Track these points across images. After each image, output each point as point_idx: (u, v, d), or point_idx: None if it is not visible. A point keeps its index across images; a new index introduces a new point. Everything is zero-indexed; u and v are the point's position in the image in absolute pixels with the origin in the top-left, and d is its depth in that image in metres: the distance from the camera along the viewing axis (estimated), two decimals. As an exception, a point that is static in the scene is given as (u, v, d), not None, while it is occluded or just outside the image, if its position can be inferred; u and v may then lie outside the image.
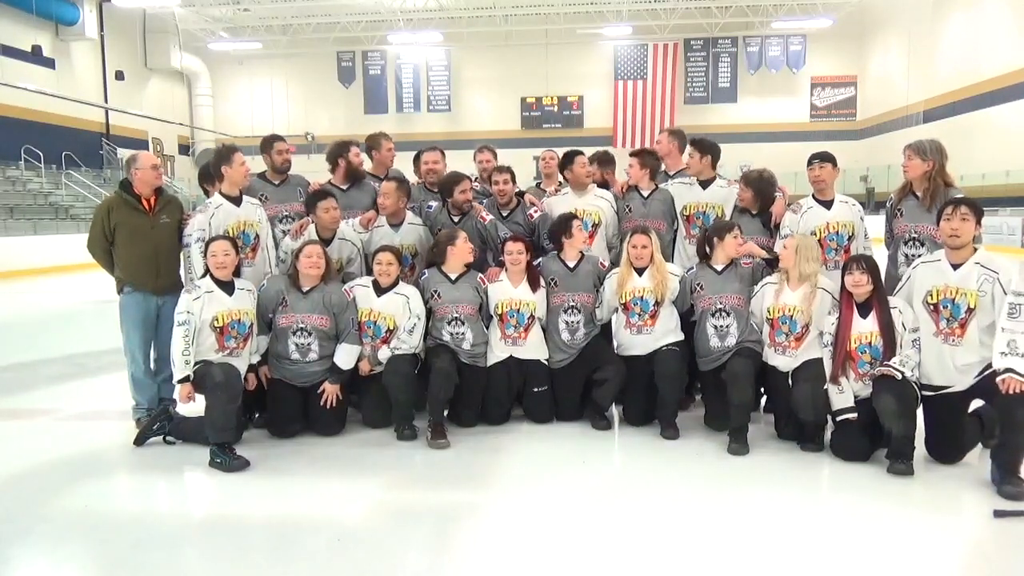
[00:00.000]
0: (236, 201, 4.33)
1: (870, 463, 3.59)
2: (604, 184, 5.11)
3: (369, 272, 4.46)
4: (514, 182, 4.85)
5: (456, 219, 4.67)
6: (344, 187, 4.78)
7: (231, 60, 27.91)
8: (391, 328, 4.21)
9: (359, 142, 5.00)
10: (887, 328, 3.59)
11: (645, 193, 4.71)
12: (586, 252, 4.49)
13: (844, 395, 3.67)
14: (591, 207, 4.67)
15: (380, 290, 4.23)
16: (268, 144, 4.80)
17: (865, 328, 3.65)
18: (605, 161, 5.22)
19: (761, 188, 4.41)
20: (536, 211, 4.69)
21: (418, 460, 3.88)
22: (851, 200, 4.34)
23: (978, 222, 3.53)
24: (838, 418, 3.69)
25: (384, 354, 4.17)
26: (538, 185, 5.28)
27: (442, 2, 24.59)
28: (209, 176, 4.66)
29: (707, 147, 4.66)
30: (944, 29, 21.56)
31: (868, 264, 3.66)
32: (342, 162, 4.82)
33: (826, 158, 4.27)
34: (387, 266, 4.17)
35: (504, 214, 4.76)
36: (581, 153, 4.80)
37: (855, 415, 3.64)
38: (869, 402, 3.61)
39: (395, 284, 4.23)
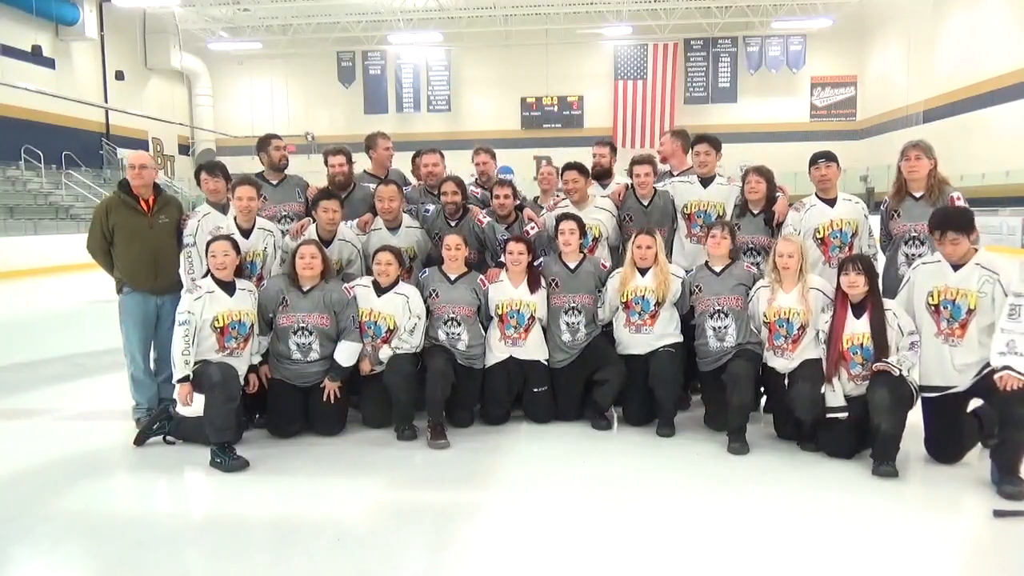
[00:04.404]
0: (246, 233, 4.30)
1: (864, 463, 3.59)
2: (607, 172, 5.09)
3: (369, 273, 4.47)
4: (515, 196, 4.83)
5: (453, 223, 4.67)
6: (343, 194, 4.77)
7: (231, 60, 27.89)
8: (391, 328, 4.21)
9: (344, 149, 4.90)
10: (878, 331, 3.59)
11: (645, 201, 4.71)
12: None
13: (836, 394, 3.68)
14: (591, 220, 4.63)
15: (380, 290, 4.23)
16: (264, 143, 4.81)
17: (858, 329, 3.65)
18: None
19: (772, 180, 4.43)
20: (533, 227, 4.66)
21: (418, 460, 3.88)
22: (855, 198, 4.34)
23: (969, 235, 3.50)
24: (827, 416, 3.70)
25: (385, 353, 4.17)
26: (536, 200, 5.22)
27: (442, 2, 24.58)
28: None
29: (719, 144, 4.69)
30: (944, 29, 21.55)
31: (864, 264, 3.65)
32: (328, 170, 4.83)
33: (831, 157, 4.27)
34: (386, 266, 4.18)
35: (503, 227, 4.74)
36: (575, 168, 4.73)
37: (846, 415, 3.65)
38: (859, 401, 3.62)
39: (395, 284, 4.24)
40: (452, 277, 4.33)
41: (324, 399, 4.10)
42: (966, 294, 3.50)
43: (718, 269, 4.19)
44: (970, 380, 3.52)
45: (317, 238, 4.37)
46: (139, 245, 4.31)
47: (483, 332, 4.37)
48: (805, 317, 3.83)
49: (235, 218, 4.31)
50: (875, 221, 4.34)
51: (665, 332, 4.23)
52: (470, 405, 4.35)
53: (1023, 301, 3.32)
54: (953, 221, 3.51)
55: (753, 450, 3.86)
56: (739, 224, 4.44)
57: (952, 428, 3.62)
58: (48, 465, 3.85)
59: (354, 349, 4.16)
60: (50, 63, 21.32)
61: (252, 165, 4.68)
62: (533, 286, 4.31)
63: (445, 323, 4.26)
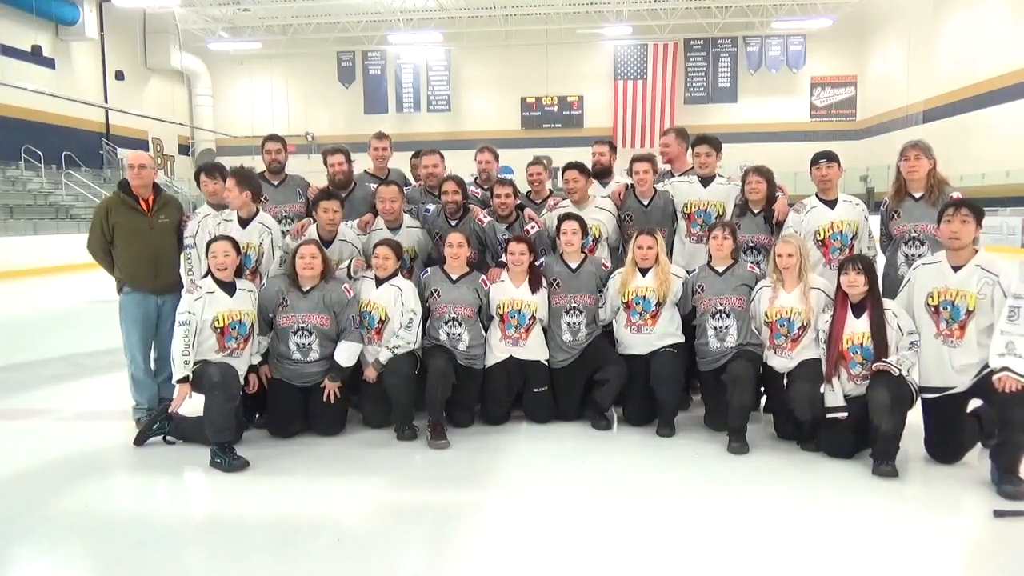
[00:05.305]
0: (243, 222, 4.32)
1: (864, 463, 3.59)
2: (607, 171, 5.08)
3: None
4: (516, 195, 4.83)
5: (453, 223, 4.67)
6: (343, 195, 4.77)
7: (231, 60, 27.88)
8: (383, 319, 4.21)
9: (343, 148, 4.92)
10: (878, 331, 3.60)
11: (645, 201, 4.71)
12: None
13: (835, 394, 3.68)
14: (591, 221, 4.62)
15: (378, 282, 4.25)
16: (262, 145, 4.86)
17: (858, 328, 3.66)
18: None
19: (772, 180, 4.44)
20: (533, 227, 4.65)
21: (418, 460, 3.88)
22: (855, 199, 4.33)
23: (979, 224, 3.52)
24: (827, 416, 3.71)
25: (385, 356, 4.17)
26: (528, 196, 5.19)
27: (442, 2, 24.59)
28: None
29: (719, 144, 4.70)
30: (944, 29, 21.55)
31: (864, 264, 3.66)
32: (328, 169, 4.83)
33: (832, 157, 4.27)
34: (384, 259, 4.20)
35: (503, 227, 4.74)
36: (573, 167, 4.73)
37: (845, 414, 3.66)
38: (859, 401, 3.63)
39: (392, 276, 4.25)
40: (454, 277, 4.34)
41: (324, 399, 4.10)
42: (965, 295, 3.50)
43: (720, 269, 4.19)
44: (970, 381, 3.52)
45: (317, 238, 4.37)
46: (139, 245, 4.31)
47: (483, 332, 4.37)
48: (806, 316, 3.84)
49: (237, 211, 4.32)
50: (875, 221, 4.34)
51: (666, 332, 4.23)
52: (470, 405, 4.35)
53: (1022, 303, 3.32)
54: (968, 202, 3.59)
55: (753, 450, 3.86)
56: (739, 223, 4.44)
57: (952, 428, 3.62)
58: (48, 465, 3.85)
59: (354, 349, 4.16)
60: (50, 63, 21.32)
61: (252, 165, 4.67)
62: (534, 286, 4.31)
63: (446, 323, 4.26)
